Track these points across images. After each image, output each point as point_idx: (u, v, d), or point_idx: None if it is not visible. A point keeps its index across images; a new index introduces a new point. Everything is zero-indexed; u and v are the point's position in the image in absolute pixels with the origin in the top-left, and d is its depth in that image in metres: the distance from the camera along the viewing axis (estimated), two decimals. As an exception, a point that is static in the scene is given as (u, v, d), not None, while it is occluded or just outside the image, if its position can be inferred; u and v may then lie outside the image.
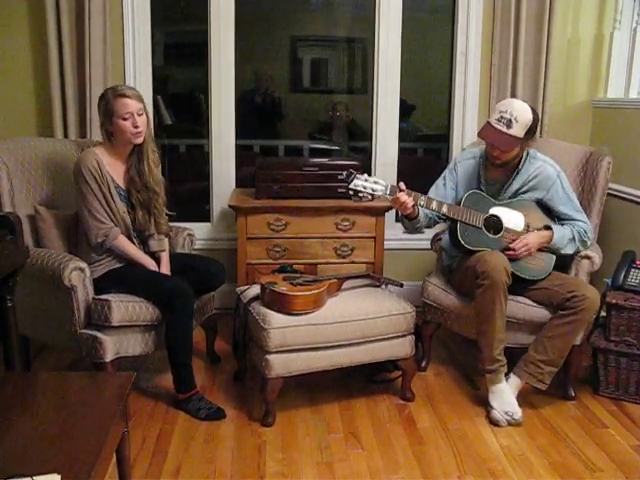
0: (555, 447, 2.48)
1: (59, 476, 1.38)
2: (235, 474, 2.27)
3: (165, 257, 2.82)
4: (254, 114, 4.29)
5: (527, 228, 2.79)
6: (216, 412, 2.63)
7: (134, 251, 2.71)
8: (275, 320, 2.53)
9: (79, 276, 2.51)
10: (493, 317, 2.63)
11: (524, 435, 2.56)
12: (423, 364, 3.10)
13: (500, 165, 2.79)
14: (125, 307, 2.56)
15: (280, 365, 2.53)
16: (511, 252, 2.72)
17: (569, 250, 2.81)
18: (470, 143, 3.65)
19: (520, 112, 2.66)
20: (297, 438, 2.51)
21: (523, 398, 2.72)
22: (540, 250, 2.78)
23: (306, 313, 2.57)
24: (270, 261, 3.26)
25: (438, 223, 2.93)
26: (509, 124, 2.64)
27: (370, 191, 2.59)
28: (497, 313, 2.62)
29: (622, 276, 2.88)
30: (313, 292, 2.60)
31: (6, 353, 2.15)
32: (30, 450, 1.52)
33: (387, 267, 3.42)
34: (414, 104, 4.24)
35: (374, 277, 3.03)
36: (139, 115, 2.60)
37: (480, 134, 2.75)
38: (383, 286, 2.98)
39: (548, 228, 2.79)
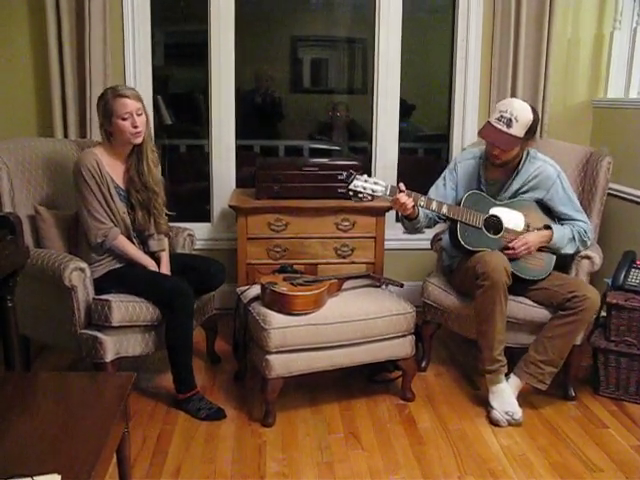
0: (555, 447, 2.48)
1: (59, 476, 1.38)
2: (235, 474, 2.27)
3: (165, 257, 2.82)
4: (254, 114, 4.29)
5: (527, 228, 2.79)
6: (216, 412, 2.63)
7: (134, 251, 2.71)
8: (275, 320, 2.53)
9: (79, 276, 2.51)
10: (493, 318, 2.63)
11: (524, 435, 2.56)
12: (423, 364, 3.10)
13: (500, 165, 2.79)
14: (125, 307, 2.56)
15: (280, 365, 2.53)
16: (510, 251, 2.72)
17: (569, 250, 2.81)
18: (470, 143, 3.65)
19: (520, 111, 2.66)
20: (297, 438, 2.51)
21: (523, 398, 2.72)
22: (540, 250, 2.78)
23: (306, 313, 2.57)
24: (270, 261, 3.26)
25: (438, 223, 2.93)
26: (509, 123, 2.64)
27: (370, 192, 2.59)
28: (497, 314, 2.62)
29: (622, 276, 2.87)
30: (313, 292, 2.60)
31: (6, 353, 2.14)
32: (30, 450, 1.52)
33: (387, 267, 3.42)
34: (414, 104, 4.24)
35: (374, 277, 3.03)
36: (138, 115, 2.60)
37: (480, 133, 2.75)
38: (383, 286, 2.98)
39: (548, 228, 2.79)
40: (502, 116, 2.66)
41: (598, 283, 2.93)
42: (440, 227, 3.12)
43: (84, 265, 2.54)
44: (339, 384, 2.92)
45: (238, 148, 3.78)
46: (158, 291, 2.62)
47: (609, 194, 3.14)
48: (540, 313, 2.74)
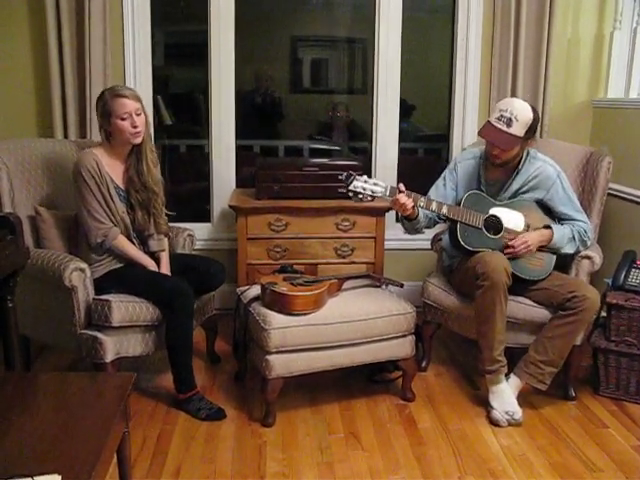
0: (555, 447, 2.48)
1: (59, 476, 1.38)
2: (235, 474, 2.27)
3: (165, 257, 2.82)
4: (254, 114, 4.29)
5: (527, 228, 2.79)
6: (216, 412, 2.63)
7: (134, 251, 2.71)
8: (275, 320, 2.53)
9: (79, 276, 2.51)
10: (493, 318, 2.63)
11: (524, 435, 2.56)
12: (423, 364, 3.10)
13: (500, 165, 2.78)
14: (125, 307, 2.56)
15: (280, 365, 2.53)
16: (510, 249, 2.71)
17: (569, 250, 2.81)
18: (470, 143, 3.65)
19: (520, 111, 2.66)
20: (297, 438, 2.51)
21: (523, 398, 2.72)
22: (540, 250, 2.78)
23: (306, 313, 2.57)
24: (270, 261, 3.26)
25: (438, 223, 2.93)
26: (509, 123, 2.64)
27: (370, 193, 2.59)
28: (497, 314, 2.62)
29: (622, 276, 2.87)
30: (313, 292, 2.60)
31: (6, 353, 2.15)
32: (30, 450, 1.52)
33: (387, 267, 3.42)
34: (414, 104, 4.24)
35: (374, 277, 3.03)
36: (137, 115, 2.60)
37: (480, 133, 2.75)
38: (383, 286, 2.98)
39: (548, 227, 2.79)
40: (502, 115, 2.66)
41: (598, 283, 2.93)
42: (440, 227, 3.12)
43: (84, 265, 2.54)
44: (339, 384, 2.92)
45: (238, 148, 3.78)
46: (158, 291, 2.62)
47: (609, 194, 3.14)
48: (540, 313, 2.74)
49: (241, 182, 3.77)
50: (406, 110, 4.07)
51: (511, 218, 2.78)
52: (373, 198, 2.61)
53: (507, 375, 2.70)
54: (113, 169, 2.68)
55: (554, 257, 2.80)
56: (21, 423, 1.65)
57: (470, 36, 3.67)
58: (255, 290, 2.79)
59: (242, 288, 2.93)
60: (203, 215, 3.82)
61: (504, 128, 2.64)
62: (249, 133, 4.14)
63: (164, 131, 4.10)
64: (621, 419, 2.69)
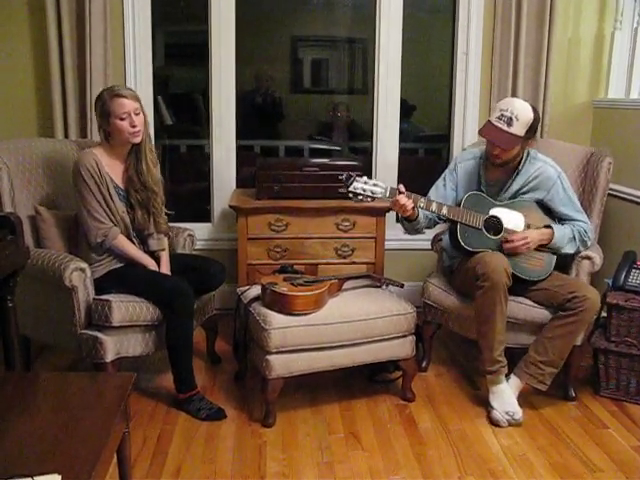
0: (556, 447, 2.48)
1: (59, 476, 1.38)
2: (236, 474, 2.27)
3: (165, 256, 2.83)
4: (255, 114, 4.29)
5: (527, 228, 2.78)
6: (217, 412, 2.63)
7: (134, 251, 2.71)
8: (276, 320, 2.53)
9: (80, 276, 2.51)
10: (493, 319, 2.63)
11: (525, 435, 2.56)
12: (424, 364, 3.10)
13: (500, 165, 2.78)
14: (125, 307, 2.56)
15: (281, 365, 2.53)
16: (509, 244, 2.71)
17: (569, 250, 2.81)
18: (471, 143, 3.65)
19: (521, 110, 2.65)
20: (298, 438, 2.51)
21: (524, 398, 2.72)
22: (540, 250, 2.78)
23: (307, 313, 2.57)
24: (271, 261, 3.26)
25: (438, 224, 2.94)
26: (509, 122, 2.64)
27: (370, 194, 2.58)
28: (497, 315, 2.62)
29: (623, 276, 2.87)
30: (314, 292, 2.60)
31: (6, 353, 2.15)
32: (30, 450, 1.52)
33: (388, 267, 3.42)
34: (415, 104, 4.24)
35: (375, 277, 3.03)
36: (136, 114, 2.60)
37: (481, 132, 2.75)
38: (384, 286, 2.98)
39: (548, 227, 2.79)
40: (502, 115, 2.66)
41: (598, 283, 2.93)
42: (440, 227, 3.12)
43: (84, 265, 2.54)
44: (339, 384, 2.92)
45: (238, 148, 3.78)
46: (158, 291, 2.62)
47: (609, 194, 3.14)
48: (540, 313, 2.73)
49: (241, 182, 3.77)
50: (406, 110, 4.07)
51: (511, 218, 2.77)
52: (373, 199, 2.61)
53: (507, 375, 2.70)
54: (113, 169, 2.68)
55: (554, 257, 2.80)
56: (21, 423, 1.65)
57: (470, 36, 3.67)
58: (255, 290, 2.79)
59: (242, 288, 2.93)
60: (203, 215, 3.82)
61: (504, 127, 2.64)
62: (249, 133, 4.14)
63: (164, 131, 4.10)
64: (621, 419, 2.69)
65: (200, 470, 2.29)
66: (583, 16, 3.72)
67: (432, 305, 2.99)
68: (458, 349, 3.36)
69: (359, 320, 2.63)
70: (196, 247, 3.23)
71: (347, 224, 3.29)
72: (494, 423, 2.62)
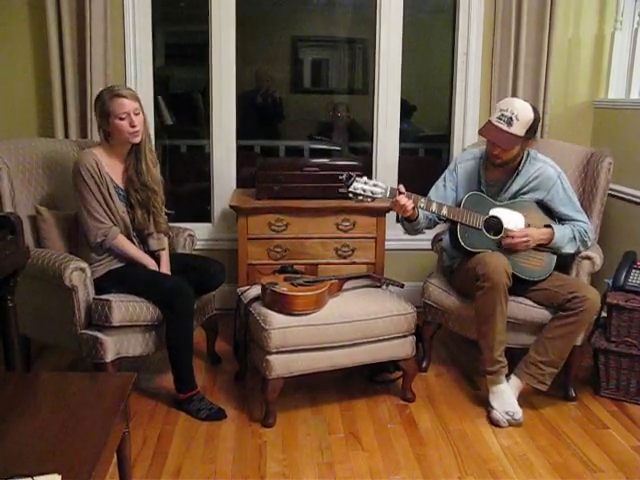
0: (556, 448, 2.48)
1: (59, 476, 1.38)
2: (236, 474, 2.27)
3: (165, 256, 2.83)
4: (255, 114, 4.29)
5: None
6: (217, 412, 2.63)
7: (134, 250, 2.71)
8: (276, 321, 2.53)
9: (80, 276, 2.51)
10: (494, 319, 2.63)
11: (525, 436, 2.56)
12: (424, 365, 3.09)
13: (500, 165, 2.78)
14: (125, 307, 2.56)
15: (281, 365, 2.53)
16: (509, 240, 2.71)
17: (570, 249, 2.81)
18: (471, 143, 3.65)
19: (521, 110, 2.65)
20: (298, 439, 2.51)
21: (524, 399, 2.72)
22: (541, 251, 2.78)
23: (307, 314, 2.57)
24: (271, 261, 3.26)
25: (438, 224, 2.94)
26: (510, 122, 2.64)
27: (370, 194, 2.58)
28: (497, 315, 2.62)
29: (623, 277, 2.87)
30: (314, 292, 2.60)
31: (7, 353, 2.15)
32: (30, 450, 1.52)
33: (388, 268, 3.42)
34: (415, 104, 4.24)
35: (375, 278, 3.02)
36: (136, 114, 2.60)
37: (481, 132, 2.75)
38: (384, 287, 2.98)
39: (549, 227, 2.79)
40: (503, 115, 2.66)
41: (599, 284, 2.93)
42: (441, 227, 3.12)
43: (84, 265, 2.54)
44: (339, 384, 2.92)
45: (239, 148, 3.78)
46: (158, 291, 2.62)
47: (610, 195, 3.14)
48: (540, 314, 2.73)
49: (242, 182, 3.77)
50: (407, 110, 4.08)
51: (511, 219, 2.77)
52: (373, 199, 2.61)
53: (507, 376, 2.70)
54: (113, 169, 2.68)
55: (554, 257, 2.80)
56: (21, 423, 1.65)
57: (471, 36, 3.66)
58: (255, 290, 2.79)
59: (242, 288, 2.93)
60: (204, 215, 3.82)
61: (505, 127, 2.64)
62: (250, 133, 4.14)
63: (165, 131, 4.10)
64: (621, 420, 2.69)
65: (200, 470, 2.29)
66: (583, 16, 3.72)
67: (432, 305, 2.99)
68: (458, 349, 3.36)
69: (359, 320, 2.63)
70: (196, 247, 3.23)
71: (347, 224, 3.29)
72: (494, 423, 2.62)
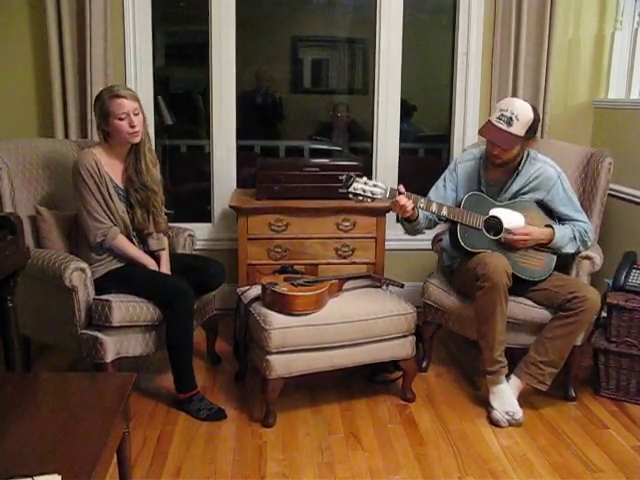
0: (556, 448, 2.48)
1: (59, 476, 1.38)
2: (236, 475, 2.27)
3: (165, 256, 2.83)
4: (255, 115, 4.29)
5: (528, 229, 2.79)
6: (217, 413, 2.63)
7: (134, 250, 2.71)
8: (276, 321, 2.53)
9: (80, 276, 2.51)
10: (494, 319, 2.63)
11: (525, 436, 2.56)
12: (424, 365, 3.09)
13: (500, 165, 2.78)
14: (126, 307, 2.56)
15: (281, 366, 2.53)
16: (509, 236, 2.70)
17: (570, 249, 2.81)
18: (471, 144, 3.65)
19: (521, 110, 2.65)
20: (298, 439, 2.51)
21: (524, 399, 2.72)
22: (541, 251, 2.78)
23: (307, 314, 2.57)
24: (271, 262, 3.26)
25: (438, 224, 2.94)
26: (510, 122, 2.64)
27: (370, 194, 2.58)
28: (497, 315, 2.62)
29: (623, 277, 2.87)
30: (314, 293, 2.60)
31: (7, 353, 2.15)
32: (30, 450, 1.52)
33: (388, 268, 3.42)
34: (415, 105, 4.24)
35: (375, 278, 3.02)
36: (135, 115, 2.60)
37: (481, 132, 2.75)
38: (384, 287, 2.97)
39: (549, 227, 2.79)
40: (503, 115, 2.66)
41: (599, 284, 2.93)
42: (441, 228, 3.12)
43: (84, 265, 2.54)
44: (339, 384, 2.92)
45: (239, 148, 3.78)
46: (158, 291, 2.62)
47: (610, 195, 3.14)
48: (540, 314, 2.73)
49: (242, 182, 3.77)
50: (407, 110, 4.08)
51: (511, 219, 2.77)
52: (373, 200, 2.61)
53: (508, 376, 2.70)
54: (112, 169, 2.68)
55: (554, 257, 2.80)
56: (21, 423, 1.65)
57: (471, 36, 3.66)
58: (255, 290, 2.79)
59: (242, 288, 2.93)
60: (204, 215, 3.82)
61: (504, 127, 2.64)
62: (250, 133, 4.14)
63: (165, 131, 4.10)
64: (621, 420, 2.69)
65: (200, 470, 2.29)
66: (583, 17, 3.72)
67: (432, 305, 2.99)
68: (458, 349, 3.36)
69: (359, 320, 2.63)
70: (196, 247, 3.23)
71: (347, 224, 3.29)
72: (494, 423, 2.62)
